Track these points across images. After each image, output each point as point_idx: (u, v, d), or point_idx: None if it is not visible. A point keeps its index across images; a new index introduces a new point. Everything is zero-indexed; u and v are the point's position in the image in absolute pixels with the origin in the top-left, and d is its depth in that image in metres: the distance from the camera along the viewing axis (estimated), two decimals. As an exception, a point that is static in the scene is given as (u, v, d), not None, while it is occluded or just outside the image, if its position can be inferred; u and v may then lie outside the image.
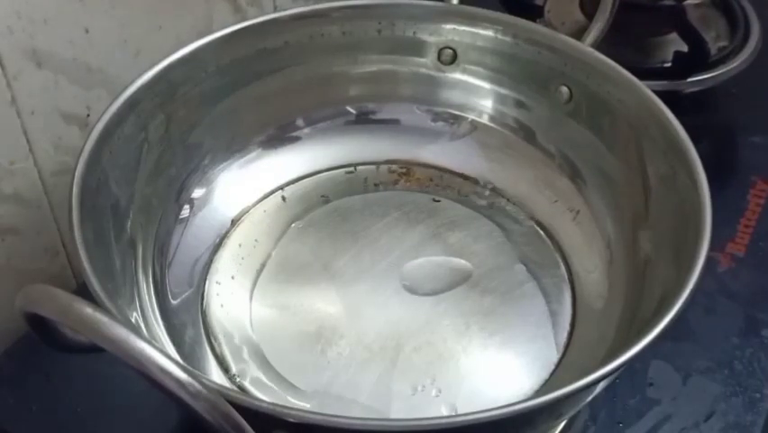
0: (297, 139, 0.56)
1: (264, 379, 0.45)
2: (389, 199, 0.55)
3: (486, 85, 0.56)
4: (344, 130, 0.57)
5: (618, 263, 0.48)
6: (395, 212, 0.54)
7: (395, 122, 0.58)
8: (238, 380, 0.45)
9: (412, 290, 0.49)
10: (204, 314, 0.48)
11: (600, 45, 0.53)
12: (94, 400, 0.47)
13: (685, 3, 0.65)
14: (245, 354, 0.46)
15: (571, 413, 0.44)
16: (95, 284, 0.36)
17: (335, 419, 0.33)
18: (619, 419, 0.46)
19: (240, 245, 0.52)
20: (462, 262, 0.51)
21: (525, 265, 0.51)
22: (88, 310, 0.28)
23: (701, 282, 0.37)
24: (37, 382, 0.48)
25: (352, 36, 0.55)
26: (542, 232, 0.53)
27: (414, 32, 0.55)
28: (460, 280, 0.50)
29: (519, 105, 0.55)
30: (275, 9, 0.62)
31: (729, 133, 0.66)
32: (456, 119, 0.57)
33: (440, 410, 0.43)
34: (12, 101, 0.46)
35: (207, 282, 0.50)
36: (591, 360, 0.43)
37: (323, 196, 0.55)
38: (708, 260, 0.38)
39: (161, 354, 0.28)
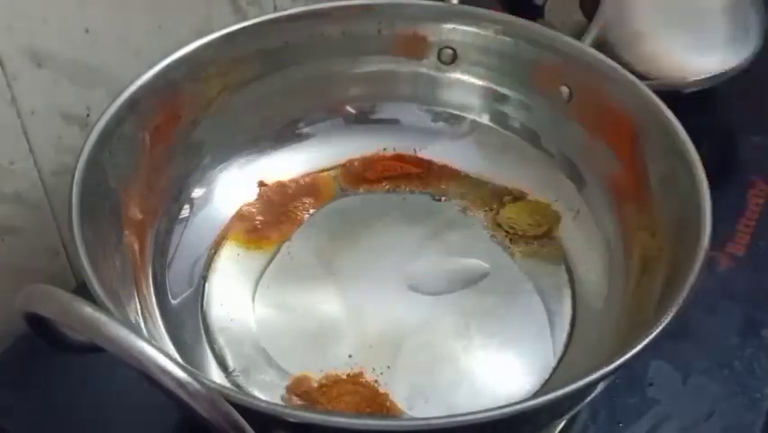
0: (297, 138, 0.56)
1: (264, 378, 0.45)
2: (389, 199, 0.55)
3: (486, 85, 0.56)
4: (344, 130, 0.57)
5: (618, 263, 0.48)
6: (395, 212, 0.54)
7: (395, 122, 0.58)
8: (238, 379, 0.45)
9: (416, 289, 0.49)
10: (204, 314, 0.48)
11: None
12: (94, 400, 0.47)
13: (685, 3, 0.64)
14: (245, 354, 0.46)
15: (571, 413, 0.44)
16: (95, 284, 0.36)
17: (335, 419, 0.33)
18: (619, 418, 0.46)
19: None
20: (467, 261, 0.51)
21: (525, 265, 0.51)
22: (88, 310, 0.28)
23: (701, 282, 0.37)
24: (37, 382, 0.48)
25: (352, 36, 0.55)
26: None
27: (414, 32, 0.55)
28: (463, 280, 0.50)
29: (519, 105, 0.55)
30: (275, 9, 0.62)
31: (729, 133, 0.66)
32: (456, 119, 0.57)
33: (440, 410, 0.43)
34: (12, 101, 0.46)
35: (207, 282, 0.50)
36: (591, 360, 0.43)
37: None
38: (709, 260, 0.39)
39: (161, 354, 0.28)
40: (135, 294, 0.44)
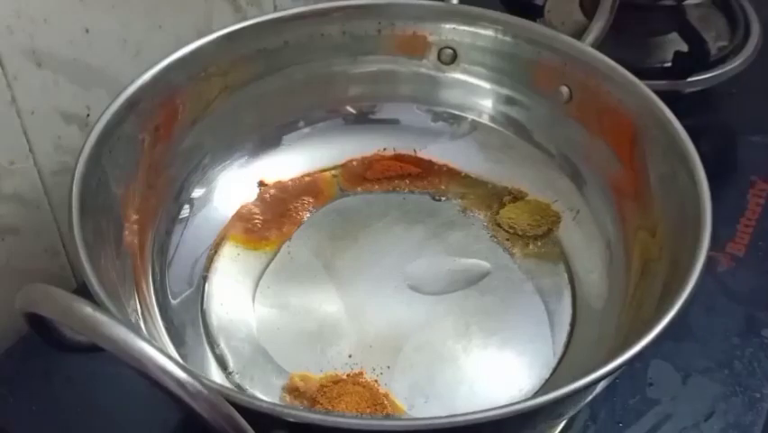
0: (297, 138, 0.56)
1: (264, 378, 0.45)
2: (389, 199, 0.55)
3: (486, 85, 0.56)
4: (344, 130, 0.57)
5: (618, 263, 0.48)
6: (395, 212, 0.54)
7: (395, 121, 0.58)
8: (238, 379, 0.45)
9: (416, 289, 0.49)
10: (204, 313, 0.48)
11: (600, 45, 0.53)
12: (94, 400, 0.47)
13: (685, 3, 0.65)
14: (245, 354, 0.46)
15: (571, 413, 0.44)
16: (95, 284, 0.36)
17: (335, 419, 0.33)
18: (619, 418, 0.46)
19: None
20: (467, 261, 0.51)
21: (525, 265, 0.51)
22: (88, 310, 0.28)
23: (701, 282, 0.37)
24: (37, 382, 0.48)
25: (352, 36, 0.55)
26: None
27: (414, 32, 0.55)
28: (463, 280, 0.50)
29: (519, 104, 0.55)
30: (275, 9, 0.62)
31: (729, 133, 0.66)
32: (456, 119, 0.57)
33: (440, 410, 0.43)
34: (12, 101, 0.46)
35: (207, 282, 0.50)
36: (591, 360, 0.43)
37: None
38: (708, 260, 0.38)
39: (161, 354, 0.28)
40: (135, 294, 0.44)
